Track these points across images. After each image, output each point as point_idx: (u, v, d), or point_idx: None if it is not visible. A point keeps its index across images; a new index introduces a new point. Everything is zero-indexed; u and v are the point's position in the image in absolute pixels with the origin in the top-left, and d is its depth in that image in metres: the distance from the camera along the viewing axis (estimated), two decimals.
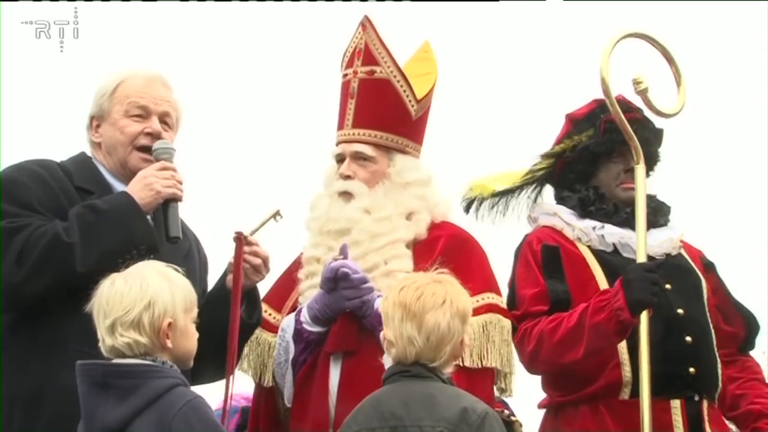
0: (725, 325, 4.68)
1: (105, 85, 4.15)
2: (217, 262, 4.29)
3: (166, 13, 7.33)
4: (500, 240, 4.88)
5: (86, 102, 4.20)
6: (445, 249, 4.38)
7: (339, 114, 4.61)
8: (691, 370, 4.45)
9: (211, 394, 4.01)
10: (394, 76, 4.52)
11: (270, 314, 4.50)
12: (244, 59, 8.50)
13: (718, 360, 4.56)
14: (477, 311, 4.28)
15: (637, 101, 4.61)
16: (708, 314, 4.61)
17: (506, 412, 5.20)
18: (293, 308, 4.48)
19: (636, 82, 4.53)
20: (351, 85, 4.56)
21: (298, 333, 4.34)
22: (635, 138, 4.49)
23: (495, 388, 4.47)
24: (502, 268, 4.64)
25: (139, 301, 3.36)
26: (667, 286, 4.50)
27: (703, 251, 4.82)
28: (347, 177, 4.47)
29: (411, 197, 4.49)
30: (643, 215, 4.40)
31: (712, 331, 4.58)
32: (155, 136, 4.08)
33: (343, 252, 4.27)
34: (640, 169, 4.47)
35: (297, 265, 4.55)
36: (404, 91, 4.53)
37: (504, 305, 4.48)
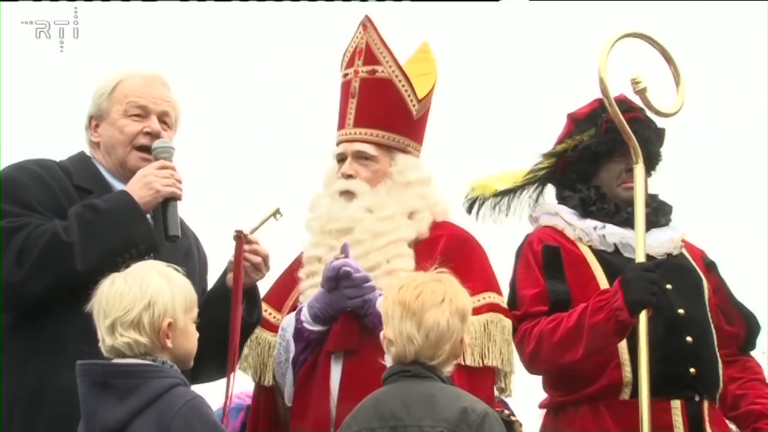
0: (726, 325, 4.68)
1: (103, 84, 4.15)
2: (217, 261, 4.30)
3: (166, 13, 7.33)
4: (502, 240, 4.88)
5: (86, 102, 4.20)
6: (446, 249, 4.38)
7: (339, 114, 4.61)
8: (692, 370, 4.45)
9: (217, 392, 4.02)
10: (396, 76, 4.52)
11: (270, 314, 4.49)
12: (244, 59, 8.50)
13: (719, 360, 4.56)
14: (478, 310, 4.28)
15: (638, 101, 4.62)
16: (709, 314, 4.60)
17: (506, 411, 5.20)
18: (293, 307, 4.48)
19: (634, 82, 4.53)
20: (352, 84, 4.56)
21: (299, 332, 4.34)
22: (634, 138, 4.49)
23: (495, 387, 4.47)
24: (503, 268, 4.65)
25: (139, 301, 3.36)
26: (668, 286, 4.50)
27: (704, 251, 4.82)
28: (349, 176, 4.47)
29: (413, 196, 4.49)
30: (642, 215, 4.40)
31: (713, 331, 4.58)
32: (154, 136, 4.08)
33: (344, 251, 4.27)
34: (638, 168, 4.48)
35: (297, 264, 4.55)
36: (406, 91, 4.53)
37: (505, 305, 4.48)
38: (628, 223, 4.54)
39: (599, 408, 4.43)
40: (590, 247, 4.62)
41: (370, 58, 4.54)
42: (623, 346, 4.40)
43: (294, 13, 7.67)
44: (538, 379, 4.66)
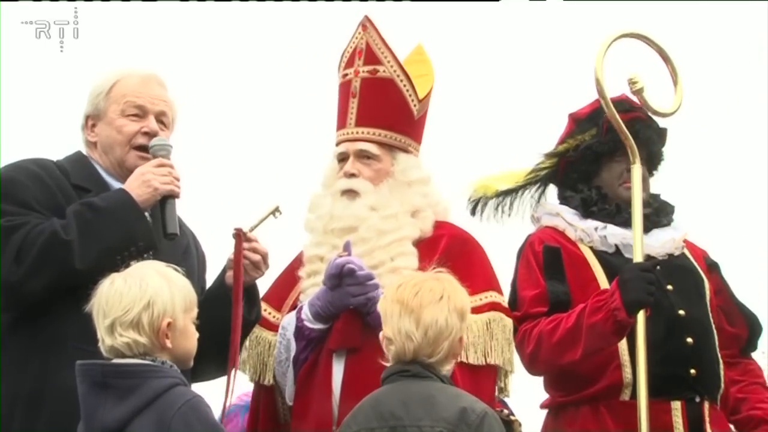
0: (728, 326, 4.68)
1: (100, 84, 4.15)
2: (216, 260, 4.30)
3: (166, 13, 7.33)
4: (504, 240, 4.88)
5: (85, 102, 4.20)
6: (447, 248, 4.38)
7: (339, 113, 4.61)
8: (692, 371, 4.45)
9: (220, 392, 4.02)
10: (398, 76, 4.53)
11: (270, 313, 4.49)
12: (244, 59, 8.50)
13: (720, 361, 4.56)
14: (480, 309, 4.30)
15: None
16: (710, 315, 4.60)
17: (505, 411, 5.19)
18: (293, 307, 4.47)
19: (631, 82, 4.54)
20: (352, 84, 4.56)
21: (299, 331, 4.33)
22: (631, 138, 4.50)
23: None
24: (505, 269, 4.65)
25: (138, 301, 3.36)
26: (669, 287, 4.51)
27: (707, 251, 4.82)
28: (352, 175, 4.47)
29: (416, 195, 4.49)
30: (639, 215, 4.40)
31: (714, 331, 4.58)
32: (152, 136, 4.08)
33: (347, 248, 4.27)
34: (636, 168, 4.49)
35: (297, 263, 4.55)
36: (407, 91, 4.53)
37: (506, 304, 4.48)
38: (629, 223, 4.53)
39: (600, 408, 4.44)
40: (591, 247, 4.62)
41: (371, 57, 4.54)
42: (623, 347, 4.40)
43: (294, 13, 7.67)
44: (537, 379, 4.66)
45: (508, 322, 4.41)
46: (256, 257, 4.12)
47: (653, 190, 4.78)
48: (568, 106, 4.89)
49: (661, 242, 4.63)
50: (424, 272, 3.72)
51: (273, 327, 4.47)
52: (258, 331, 4.44)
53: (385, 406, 3.50)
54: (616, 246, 4.61)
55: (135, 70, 4.19)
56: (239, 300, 4.02)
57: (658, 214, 4.69)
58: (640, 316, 4.27)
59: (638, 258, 4.36)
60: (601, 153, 4.70)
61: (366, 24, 4.58)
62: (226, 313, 3.99)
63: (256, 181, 8.09)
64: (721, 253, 4.91)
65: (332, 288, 4.26)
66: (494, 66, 8.41)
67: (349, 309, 4.26)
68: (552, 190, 4.88)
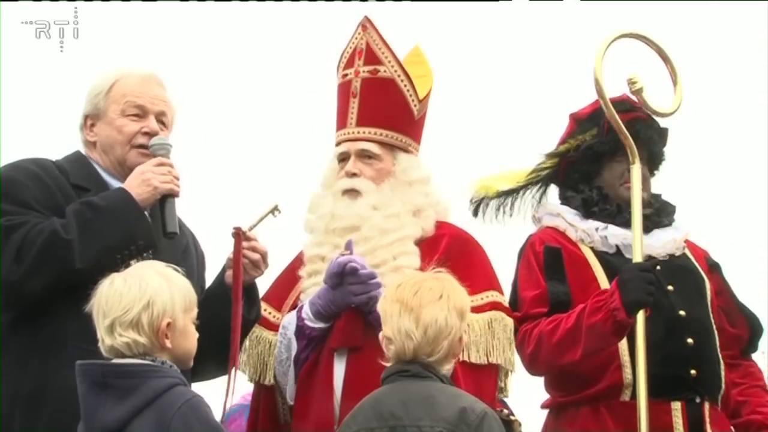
0: (729, 326, 4.67)
1: (99, 83, 4.15)
2: (215, 259, 4.30)
3: (166, 13, 7.34)
4: (505, 240, 4.88)
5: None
6: (448, 248, 4.39)
7: (338, 114, 4.61)
8: (693, 372, 4.44)
9: (221, 391, 4.02)
10: (398, 76, 4.53)
11: (270, 313, 4.49)
12: (244, 59, 8.51)
13: (721, 361, 4.55)
14: (481, 308, 4.31)
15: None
16: (711, 315, 4.60)
17: (505, 411, 5.19)
18: (293, 306, 4.47)
19: (631, 82, 4.55)
20: (353, 84, 4.55)
21: (300, 330, 4.33)
22: (630, 138, 4.50)
23: None
24: (506, 269, 4.66)
25: (138, 301, 3.36)
26: (670, 287, 4.51)
27: (708, 251, 4.82)
28: (353, 174, 4.47)
29: (417, 194, 4.50)
30: (638, 215, 4.41)
31: (715, 332, 4.58)
32: (152, 136, 4.08)
33: (349, 247, 4.26)
34: (635, 168, 4.49)
35: (297, 263, 4.54)
36: (408, 91, 4.53)
37: (507, 304, 4.48)
38: (629, 224, 4.53)
39: (600, 409, 4.44)
40: (592, 248, 4.62)
41: (371, 58, 4.54)
42: (624, 347, 4.40)
43: (294, 13, 7.68)
44: (537, 379, 4.66)
45: (509, 321, 4.41)
46: (256, 256, 4.11)
47: (654, 190, 4.78)
48: (569, 106, 4.89)
49: (662, 242, 4.63)
50: (423, 272, 3.72)
51: (273, 327, 4.46)
52: (258, 330, 4.44)
53: (384, 406, 3.50)
54: (617, 246, 4.60)
55: (134, 70, 4.19)
56: (239, 299, 4.02)
57: (659, 214, 4.69)
58: (640, 317, 4.27)
59: (638, 258, 4.36)
60: (602, 153, 4.70)
61: (366, 24, 4.58)
62: (226, 313, 3.99)
63: (255, 180, 8.10)
64: (722, 253, 4.92)
65: (333, 287, 4.26)
66: (494, 66, 8.42)
67: (350, 308, 4.26)
68: (553, 190, 4.88)
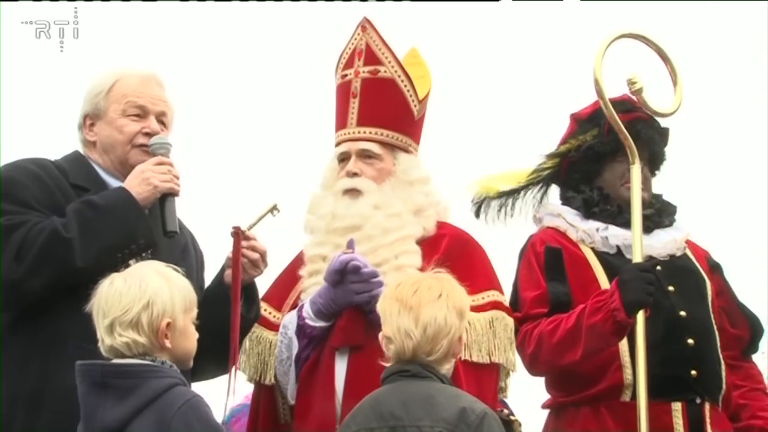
0: (730, 327, 4.67)
1: (99, 83, 4.15)
2: (214, 258, 4.29)
3: (166, 13, 7.34)
4: (506, 241, 4.88)
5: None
6: (448, 249, 4.39)
7: (338, 114, 4.61)
8: (693, 372, 4.44)
9: (222, 391, 4.02)
10: (398, 76, 4.53)
11: (270, 313, 4.49)
12: (243, 59, 8.51)
13: (722, 362, 4.55)
14: (482, 308, 4.31)
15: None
16: (712, 316, 4.60)
17: (505, 411, 5.19)
18: (294, 306, 4.46)
19: (630, 83, 4.55)
20: (352, 84, 4.55)
21: (301, 329, 4.32)
22: (630, 138, 4.50)
23: None
24: (507, 269, 4.66)
25: (137, 301, 3.36)
26: (670, 288, 4.50)
27: (709, 252, 4.82)
28: (354, 174, 4.47)
29: (418, 194, 4.50)
30: (638, 215, 4.41)
31: (716, 332, 4.57)
32: (153, 136, 4.08)
33: (351, 246, 4.26)
34: (635, 169, 4.49)
35: (297, 263, 4.54)
36: (408, 91, 4.53)
37: (507, 304, 4.49)
38: (630, 224, 4.53)
39: (600, 409, 4.44)
40: (592, 248, 4.62)
41: (371, 58, 4.54)
42: (624, 348, 4.40)
43: (294, 13, 7.68)
44: (537, 379, 4.66)
45: (510, 321, 4.41)
46: (255, 255, 4.11)
47: (655, 190, 4.78)
48: (569, 107, 4.89)
49: (663, 243, 4.63)
50: (423, 272, 3.72)
51: (273, 326, 4.46)
52: (258, 330, 4.43)
53: (384, 406, 3.50)
54: (618, 247, 4.60)
55: (134, 70, 4.19)
56: (238, 298, 4.02)
57: (660, 214, 4.69)
58: (640, 317, 4.27)
59: (638, 258, 4.35)
60: (603, 153, 4.70)
61: (365, 25, 4.58)
62: (225, 312, 3.99)
63: (254, 180, 8.11)
64: (722, 253, 4.92)
65: (334, 284, 4.26)
66: (495, 66, 8.42)
67: (351, 307, 4.26)
68: (554, 190, 4.88)
